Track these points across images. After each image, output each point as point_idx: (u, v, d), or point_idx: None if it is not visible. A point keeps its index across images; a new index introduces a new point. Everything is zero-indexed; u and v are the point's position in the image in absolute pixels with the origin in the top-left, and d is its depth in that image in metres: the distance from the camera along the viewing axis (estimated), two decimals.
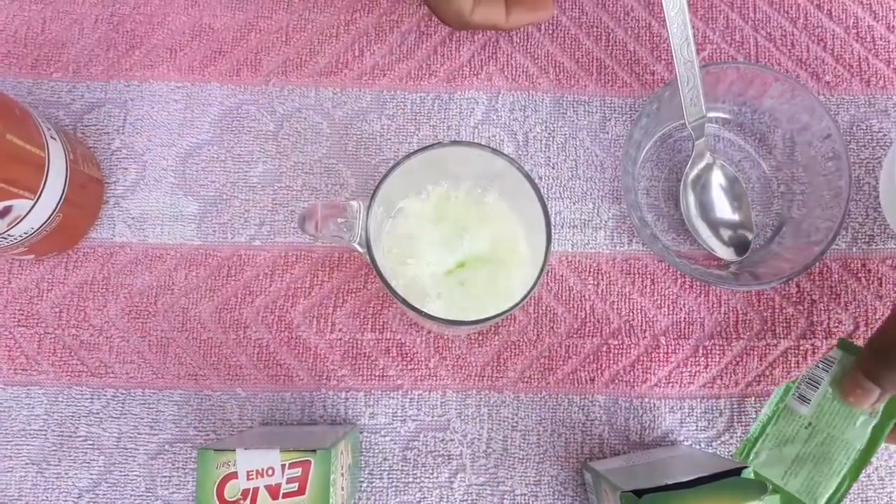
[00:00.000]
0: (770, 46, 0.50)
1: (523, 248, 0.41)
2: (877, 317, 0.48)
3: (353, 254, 0.48)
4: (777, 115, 0.47)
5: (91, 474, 0.45)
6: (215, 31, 0.50)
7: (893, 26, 0.51)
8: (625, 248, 0.48)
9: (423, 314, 0.35)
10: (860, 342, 0.47)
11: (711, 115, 0.48)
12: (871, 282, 0.48)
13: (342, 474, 0.39)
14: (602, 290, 0.48)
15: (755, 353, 0.47)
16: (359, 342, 0.47)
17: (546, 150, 0.49)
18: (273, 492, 0.35)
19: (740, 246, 0.47)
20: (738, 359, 0.47)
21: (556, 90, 0.50)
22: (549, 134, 0.49)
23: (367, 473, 0.46)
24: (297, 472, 0.36)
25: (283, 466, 0.36)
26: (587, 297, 0.48)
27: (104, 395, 0.46)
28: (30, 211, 0.40)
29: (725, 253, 0.47)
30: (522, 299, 0.36)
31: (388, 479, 0.46)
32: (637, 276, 0.48)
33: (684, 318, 0.48)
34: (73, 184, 0.44)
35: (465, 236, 0.40)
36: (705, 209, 0.47)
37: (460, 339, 0.47)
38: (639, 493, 0.35)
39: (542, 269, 0.36)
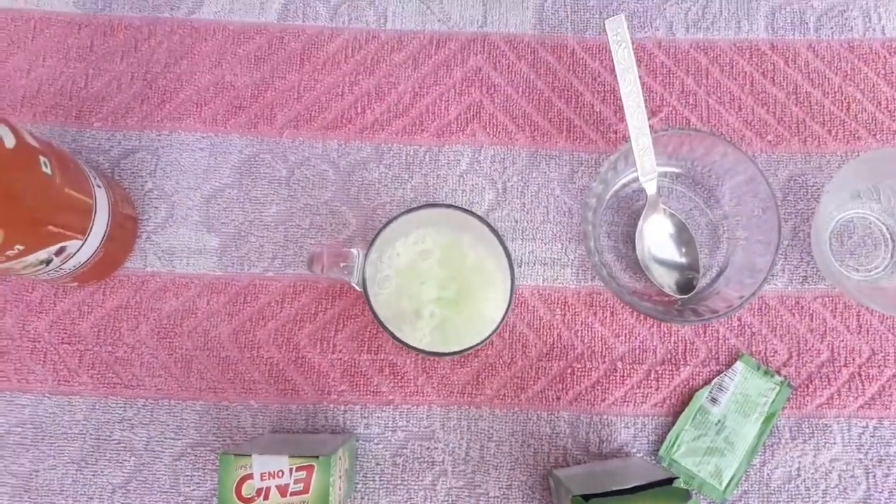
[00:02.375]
0: (720, 108, 0.57)
1: (497, 284, 0.48)
2: (808, 347, 0.54)
3: (343, 288, 0.55)
4: (720, 172, 0.53)
5: (123, 473, 0.52)
6: (236, 88, 0.57)
7: (828, 92, 0.57)
8: (588, 283, 0.55)
9: (410, 346, 0.42)
10: (792, 370, 0.54)
11: (665, 170, 0.55)
12: (803, 317, 0.55)
13: (340, 476, 0.45)
14: (568, 320, 0.55)
15: (700, 377, 0.54)
16: (356, 362, 0.54)
17: (521, 197, 0.56)
18: (282, 490, 0.42)
19: (687, 286, 0.53)
20: (685, 382, 0.54)
21: (531, 145, 0.56)
22: (525, 183, 0.56)
23: (361, 476, 0.53)
24: (303, 474, 0.42)
25: (290, 469, 0.42)
26: (555, 325, 0.54)
27: (135, 405, 0.53)
28: (79, 249, 0.47)
29: (673, 291, 0.53)
30: (492, 332, 0.43)
31: (380, 481, 0.52)
32: (598, 308, 0.55)
33: (639, 346, 0.54)
34: (113, 223, 0.50)
35: (447, 274, 0.47)
36: (657, 253, 0.54)
37: (444, 361, 0.54)
38: (587, 497, 0.42)
39: (508, 305, 0.43)
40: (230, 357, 0.54)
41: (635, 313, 0.54)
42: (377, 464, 0.53)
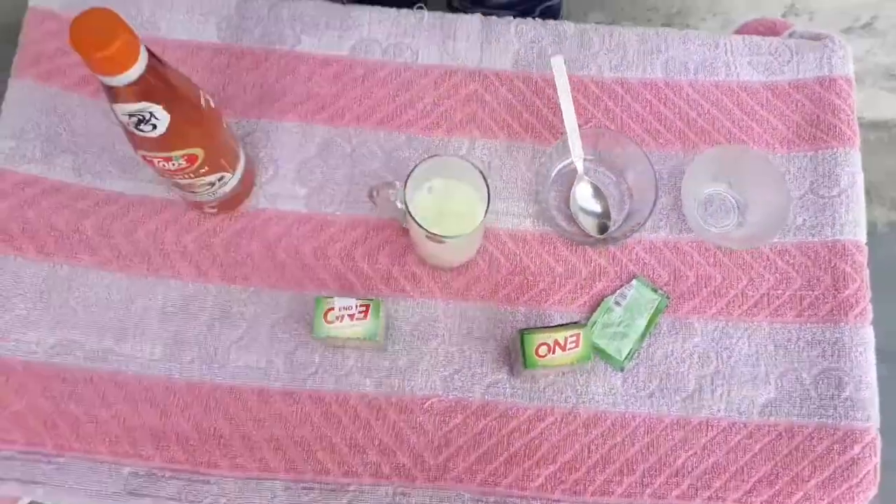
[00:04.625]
0: (629, 121, 0.87)
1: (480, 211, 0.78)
2: (680, 274, 0.84)
3: (390, 222, 0.84)
4: (625, 158, 0.83)
5: (237, 332, 0.81)
6: (320, 97, 0.88)
7: (701, 113, 0.88)
8: (541, 228, 0.85)
9: (429, 232, 0.71)
10: (670, 288, 0.83)
11: (590, 158, 0.85)
12: (678, 254, 0.84)
13: (383, 317, 0.74)
14: (526, 251, 0.84)
15: (609, 289, 0.83)
16: (391, 271, 0.83)
17: (500, 172, 0.86)
18: (351, 317, 0.71)
19: (603, 229, 0.84)
20: (599, 292, 0.83)
21: (508, 140, 0.87)
22: (502, 163, 0.86)
23: (390, 340, 0.81)
24: (364, 308, 0.72)
25: (356, 304, 0.72)
26: (517, 254, 0.84)
27: (248, 290, 0.82)
28: (229, 180, 0.77)
29: (595, 232, 0.83)
30: (475, 229, 0.72)
31: (402, 343, 0.81)
32: (547, 244, 0.84)
33: (570, 269, 0.84)
34: (245, 170, 0.81)
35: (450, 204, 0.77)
36: (584, 206, 0.84)
37: (447, 272, 0.83)
38: (524, 330, 0.72)
39: (485, 213, 0.73)
40: (310, 264, 0.83)
41: (571, 247, 0.84)
42: (401, 334, 0.82)
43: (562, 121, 0.84)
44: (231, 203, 0.83)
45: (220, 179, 0.75)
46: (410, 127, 0.87)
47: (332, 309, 0.71)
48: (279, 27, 0.89)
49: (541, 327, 0.73)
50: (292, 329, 0.81)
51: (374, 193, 0.74)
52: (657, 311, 0.82)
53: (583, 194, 0.84)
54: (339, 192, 0.85)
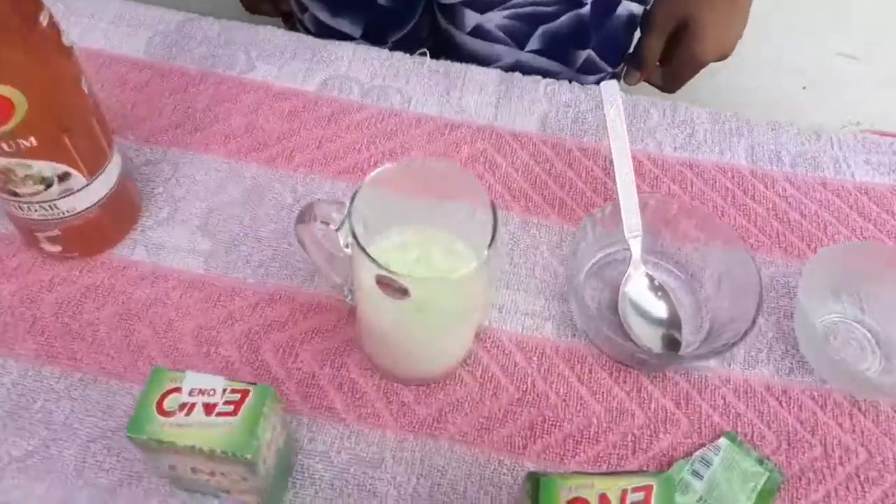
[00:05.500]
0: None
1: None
2: (798, 438, 0.50)
3: (330, 301, 0.53)
4: (706, 253, 0.54)
5: (28, 445, 0.46)
6: (265, 132, 0.62)
7: (805, 214, 0.60)
8: (568, 339, 0.53)
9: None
10: (783, 459, 0.49)
11: (649, 246, 0.56)
12: (791, 407, 0.51)
13: (273, 431, 0.39)
14: (544, 371, 0.51)
15: (682, 448, 0.49)
16: (315, 375, 0.50)
17: (510, 254, 0.56)
18: (209, 409, 0.37)
19: (670, 343, 0.51)
20: (665, 451, 0.48)
21: (523, 214, 0.58)
22: (514, 242, 0.57)
23: (294, 493, 0.45)
24: (236, 397, 0.37)
25: (224, 390, 0.38)
26: (530, 373, 0.51)
27: (71, 377, 0.48)
28: (81, 189, 0.48)
29: (657, 346, 0.51)
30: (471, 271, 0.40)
31: (313, 497, 0.45)
32: (577, 363, 0.52)
33: (616, 407, 0.50)
34: (116, 195, 0.52)
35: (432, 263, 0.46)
36: (640, 307, 0.52)
37: (408, 388, 0.50)
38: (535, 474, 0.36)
39: (489, 248, 0.41)
40: (185, 350, 0.50)
41: (614, 373, 0.51)
42: (313, 483, 0.46)
43: (605, 198, 0.57)
44: (86, 243, 0.52)
45: (62, 178, 0.46)
46: None
47: (178, 390, 0.37)
48: (229, 51, 0.66)
49: (573, 473, 0.38)
50: (122, 451, 0.46)
51: (308, 219, 0.44)
52: (765, 495, 0.47)
53: (639, 290, 0.53)
54: (260, 253, 0.55)
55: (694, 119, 0.65)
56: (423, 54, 0.68)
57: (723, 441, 0.48)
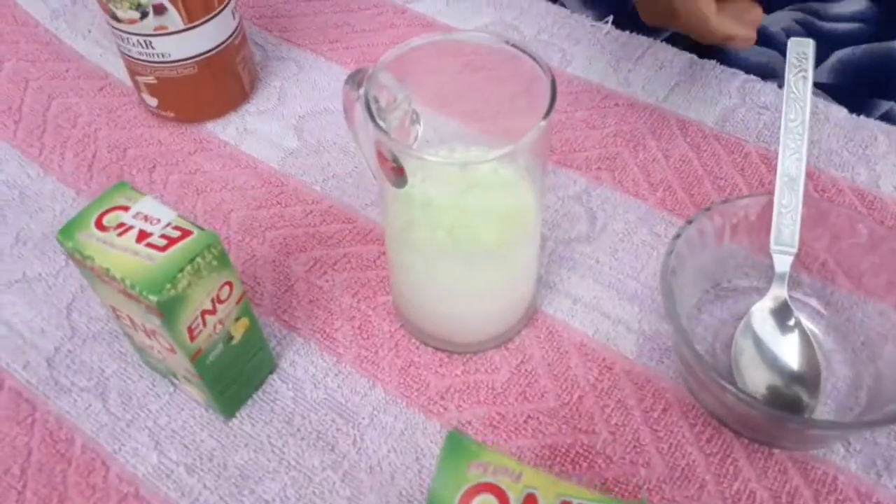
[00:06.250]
0: None
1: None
2: None
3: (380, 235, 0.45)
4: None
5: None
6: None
7: None
8: (648, 364, 0.39)
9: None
10: None
11: (804, 281, 0.40)
12: None
13: (214, 313, 0.32)
14: (601, 390, 0.38)
15: None
16: (333, 297, 0.42)
17: (618, 243, 0.44)
18: (141, 237, 0.31)
19: (792, 403, 0.35)
20: None
21: (658, 206, 0.46)
22: (629, 232, 0.44)
23: (245, 414, 0.38)
24: (176, 234, 0.31)
25: (168, 224, 0.31)
26: (581, 386, 0.38)
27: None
28: (178, 32, 0.46)
29: (775, 401, 0.35)
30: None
31: (261, 427, 0.37)
32: (647, 396, 0.38)
33: (683, 468, 0.35)
34: (223, 63, 0.49)
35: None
36: (768, 347, 0.37)
37: (427, 350, 0.40)
38: None
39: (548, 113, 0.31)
40: (223, 234, 0.45)
41: (699, 426, 0.36)
42: (272, 409, 0.38)
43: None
44: (182, 104, 0.51)
45: (158, 10, 0.44)
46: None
47: (126, 209, 0.32)
48: None
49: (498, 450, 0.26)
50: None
51: (358, 77, 0.37)
52: None
53: (770, 323, 0.38)
54: (339, 165, 0.49)
55: None
56: (607, 22, 0.58)
57: None
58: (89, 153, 0.50)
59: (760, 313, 0.38)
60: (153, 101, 0.50)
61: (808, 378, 0.36)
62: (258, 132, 0.51)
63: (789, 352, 0.37)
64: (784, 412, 0.35)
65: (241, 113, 0.52)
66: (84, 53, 0.57)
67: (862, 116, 0.50)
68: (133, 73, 0.50)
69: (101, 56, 0.56)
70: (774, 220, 0.38)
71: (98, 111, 0.53)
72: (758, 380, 0.36)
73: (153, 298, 0.30)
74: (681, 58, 0.55)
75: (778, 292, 0.38)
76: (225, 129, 0.51)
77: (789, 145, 0.38)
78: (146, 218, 0.32)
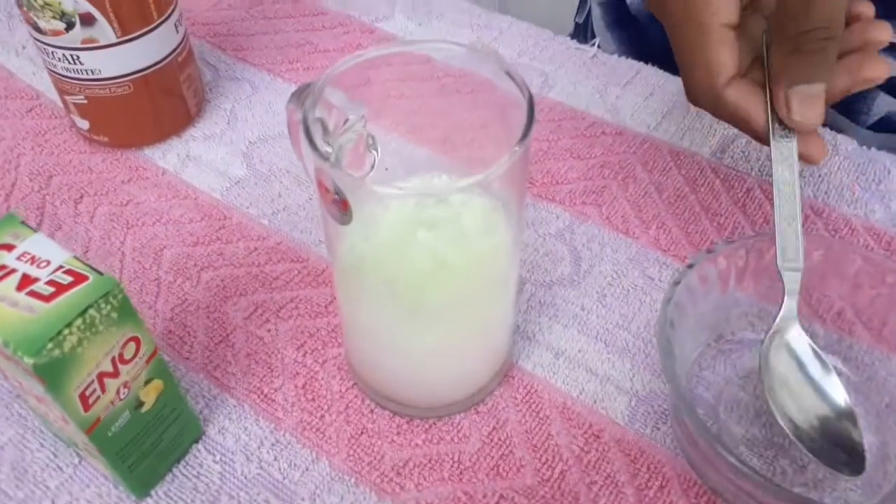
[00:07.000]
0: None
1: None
2: None
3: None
4: None
5: None
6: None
7: None
8: (641, 431, 0.33)
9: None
10: None
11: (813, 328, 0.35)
12: None
13: (117, 361, 0.26)
14: (589, 462, 0.32)
15: None
16: (277, 352, 0.36)
17: (605, 288, 0.38)
18: (24, 283, 0.25)
19: (850, 455, 0.30)
20: None
21: (650, 246, 0.41)
22: (618, 276, 0.39)
23: (163, 491, 0.31)
24: (67, 280, 0.25)
25: (59, 267, 0.25)
26: (566, 458, 0.32)
27: None
28: (109, 46, 0.40)
29: (831, 457, 0.30)
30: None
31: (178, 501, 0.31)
32: (643, 469, 0.32)
33: None
34: (163, 81, 0.44)
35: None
36: (809, 374, 0.31)
37: (384, 416, 0.34)
38: None
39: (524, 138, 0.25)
40: (150, 274, 0.39)
41: (700, 497, 0.31)
42: (194, 487, 0.31)
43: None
44: (116, 128, 0.45)
45: (85, 20, 0.39)
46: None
47: (10, 248, 0.26)
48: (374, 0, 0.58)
49: None
50: None
51: (303, 96, 0.31)
52: None
53: (793, 357, 0.32)
54: (291, 197, 0.43)
55: None
56: (594, 45, 0.53)
57: None
58: (8, 181, 0.44)
59: (780, 346, 0.32)
60: (84, 124, 0.45)
61: (850, 414, 0.31)
62: (202, 159, 0.45)
63: (831, 382, 0.31)
64: (834, 469, 0.29)
65: (184, 138, 0.47)
66: (14, 71, 0.51)
67: (873, 149, 0.45)
68: (62, 93, 0.44)
69: (35, 74, 0.51)
70: (777, 237, 0.33)
71: (24, 134, 0.47)
72: (807, 408, 0.31)
73: (29, 361, 0.24)
74: (673, 82, 0.50)
75: (791, 319, 0.32)
76: (165, 156, 0.46)
77: (779, 156, 0.33)
78: (33, 260, 0.26)
